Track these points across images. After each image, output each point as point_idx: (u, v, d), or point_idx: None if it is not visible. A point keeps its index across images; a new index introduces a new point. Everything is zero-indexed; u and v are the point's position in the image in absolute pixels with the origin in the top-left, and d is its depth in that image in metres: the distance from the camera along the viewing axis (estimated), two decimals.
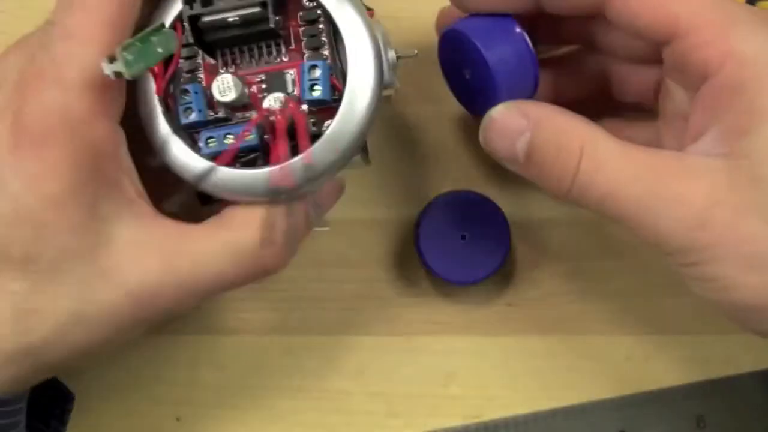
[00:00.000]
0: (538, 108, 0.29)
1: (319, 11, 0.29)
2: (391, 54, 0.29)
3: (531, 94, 0.30)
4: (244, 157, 0.28)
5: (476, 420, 0.37)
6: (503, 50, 0.30)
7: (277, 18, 0.28)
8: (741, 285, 0.26)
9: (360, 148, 0.29)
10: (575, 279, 0.38)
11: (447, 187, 0.37)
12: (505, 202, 0.36)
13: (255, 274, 0.29)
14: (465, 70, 0.31)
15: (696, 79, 0.27)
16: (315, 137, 0.28)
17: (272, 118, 0.28)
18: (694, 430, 0.37)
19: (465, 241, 0.36)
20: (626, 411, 0.37)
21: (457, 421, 0.37)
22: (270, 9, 0.27)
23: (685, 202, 0.26)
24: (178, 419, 0.37)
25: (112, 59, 0.25)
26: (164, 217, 0.29)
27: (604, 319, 0.37)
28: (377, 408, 0.37)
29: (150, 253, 0.28)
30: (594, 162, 0.28)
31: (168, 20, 0.29)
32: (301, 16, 0.29)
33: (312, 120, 0.28)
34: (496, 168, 0.37)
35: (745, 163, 0.26)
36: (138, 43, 0.26)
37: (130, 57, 0.25)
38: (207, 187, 0.29)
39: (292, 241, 0.29)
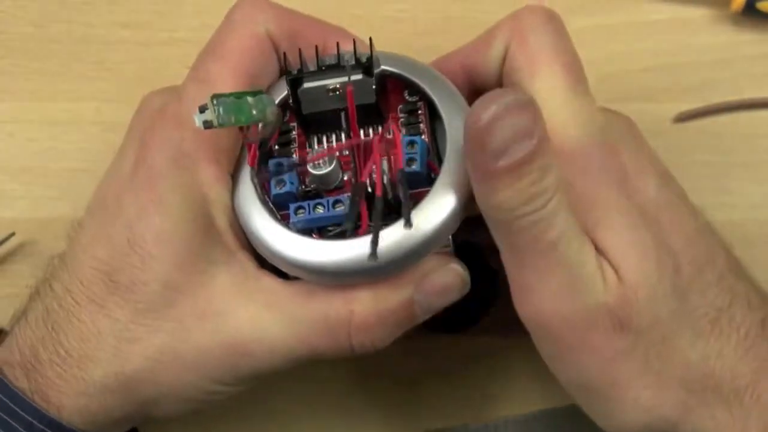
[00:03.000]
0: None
1: (419, 104, 0.28)
2: None
3: None
4: (332, 231, 0.27)
5: (476, 420, 0.37)
6: None
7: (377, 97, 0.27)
8: None
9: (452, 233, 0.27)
10: None
11: None
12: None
13: (345, 349, 0.28)
14: None
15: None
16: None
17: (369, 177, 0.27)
18: None
19: None
20: None
21: (457, 421, 0.37)
22: (374, 80, 0.27)
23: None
24: (178, 419, 0.37)
25: (203, 109, 0.25)
26: (264, 271, 0.29)
27: None
28: (377, 408, 0.37)
29: (244, 305, 0.28)
30: None
31: (278, 98, 0.29)
32: (400, 108, 0.29)
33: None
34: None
35: None
36: (232, 98, 0.26)
37: (220, 109, 0.25)
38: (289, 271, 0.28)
39: (390, 325, 0.28)
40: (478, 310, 0.36)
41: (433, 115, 0.29)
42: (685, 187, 0.29)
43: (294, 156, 0.29)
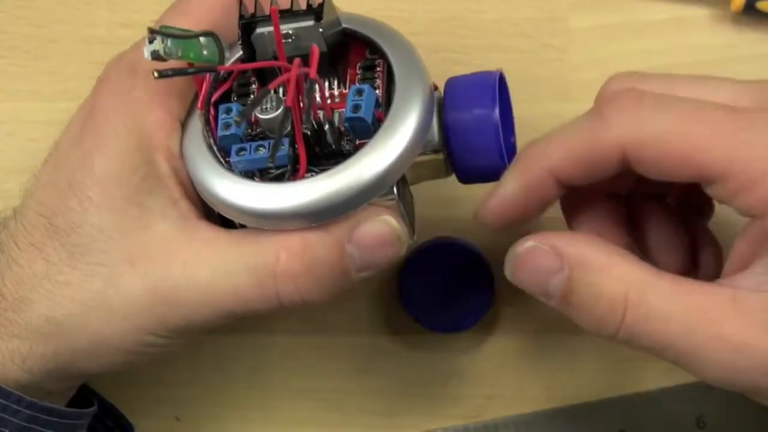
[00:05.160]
0: (575, 245, 0.26)
1: (379, 62, 0.28)
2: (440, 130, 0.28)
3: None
4: (272, 173, 0.27)
5: (476, 420, 0.37)
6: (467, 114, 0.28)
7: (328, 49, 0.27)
8: None
9: (390, 189, 0.27)
10: None
11: (431, 234, 0.37)
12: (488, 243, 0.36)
13: (272, 299, 0.28)
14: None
15: (741, 213, 0.26)
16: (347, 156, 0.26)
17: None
18: (694, 430, 0.37)
19: (448, 290, 0.36)
20: (626, 411, 0.37)
21: (457, 421, 0.37)
22: (322, 28, 0.27)
23: (746, 351, 0.24)
24: (178, 419, 0.37)
25: (152, 40, 0.26)
26: (205, 222, 0.29)
27: None
28: (377, 408, 0.37)
29: (176, 253, 0.28)
30: (641, 313, 0.25)
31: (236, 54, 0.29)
32: (359, 65, 0.28)
33: (348, 148, 0.27)
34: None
35: None
36: (179, 31, 0.26)
37: (168, 39, 0.26)
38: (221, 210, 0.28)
39: (319, 276, 0.27)
40: (477, 311, 0.36)
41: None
42: None
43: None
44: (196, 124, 0.29)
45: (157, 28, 0.26)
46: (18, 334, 0.28)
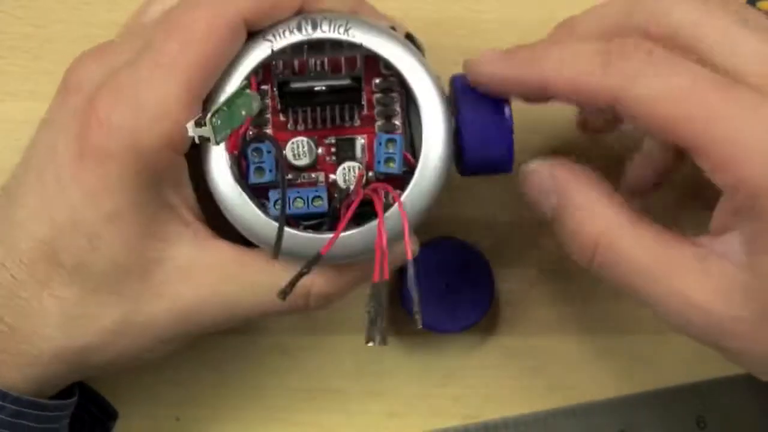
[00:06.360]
0: (569, 177, 0.28)
1: (394, 79, 0.29)
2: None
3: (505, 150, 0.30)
4: (309, 221, 0.28)
5: (476, 420, 0.37)
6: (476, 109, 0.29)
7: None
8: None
9: (423, 222, 0.29)
10: (574, 280, 0.37)
11: (431, 234, 0.37)
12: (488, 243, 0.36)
13: (299, 311, 0.30)
14: None
15: (719, 187, 0.26)
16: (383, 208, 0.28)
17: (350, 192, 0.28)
18: (694, 430, 0.37)
19: (449, 289, 0.36)
20: (626, 411, 0.37)
21: (456, 421, 0.37)
22: (363, 85, 0.28)
23: (702, 310, 0.26)
24: (178, 419, 0.37)
25: (200, 123, 0.25)
26: (221, 241, 0.29)
27: (604, 319, 0.37)
28: (377, 408, 0.37)
29: (201, 275, 0.29)
30: (609, 257, 0.27)
31: (246, 72, 0.28)
32: (376, 84, 0.29)
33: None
34: (479, 213, 0.37)
35: (765, 284, 0.25)
36: (225, 108, 0.25)
37: (218, 122, 0.25)
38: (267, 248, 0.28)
39: (349, 290, 0.30)
40: (477, 311, 0.36)
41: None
42: None
43: (271, 140, 0.28)
44: (220, 160, 0.28)
45: (208, 115, 0.25)
46: (32, 363, 0.28)
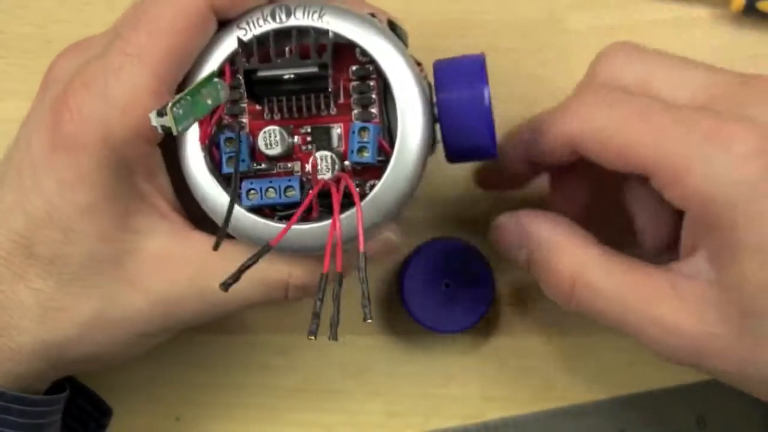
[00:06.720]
0: (537, 225, 0.30)
1: (371, 67, 0.28)
2: (435, 110, 0.29)
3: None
4: (282, 211, 0.28)
5: (476, 420, 0.37)
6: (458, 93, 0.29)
7: (331, 76, 0.27)
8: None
9: (400, 212, 0.28)
10: None
11: (431, 234, 0.37)
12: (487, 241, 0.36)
13: (277, 302, 0.30)
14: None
15: (675, 206, 0.27)
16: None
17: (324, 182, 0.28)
18: (694, 430, 0.37)
19: (448, 290, 0.36)
20: (626, 411, 0.37)
21: (456, 421, 0.37)
22: (330, 72, 0.27)
23: (678, 333, 0.27)
24: (178, 419, 0.37)
25: (161, 113, 0.24)
26: (199, 232, 0.29)
27: None
28: (377, 408, 0.37)
29: (178, 266, 0.29)
30: (586, 293, 0.28)
31: (218, 61, 0.28)
32: (353, 71, 0.28)
33: (356, 182, 0.28)
34: (479, 213, 0.37)
35: (734, 296, 0.26)
36: (188, 97, 0.25)
37: (180, 112, 0.25)
38: (242, 239, 0.28)
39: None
40: (477, 311, 0.36)
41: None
42: None
43: (246, 130, 0.28)
44: (196, 154, 0.28)
45: (169, 104, 0.24)
46: (11, 358, 0.28)
